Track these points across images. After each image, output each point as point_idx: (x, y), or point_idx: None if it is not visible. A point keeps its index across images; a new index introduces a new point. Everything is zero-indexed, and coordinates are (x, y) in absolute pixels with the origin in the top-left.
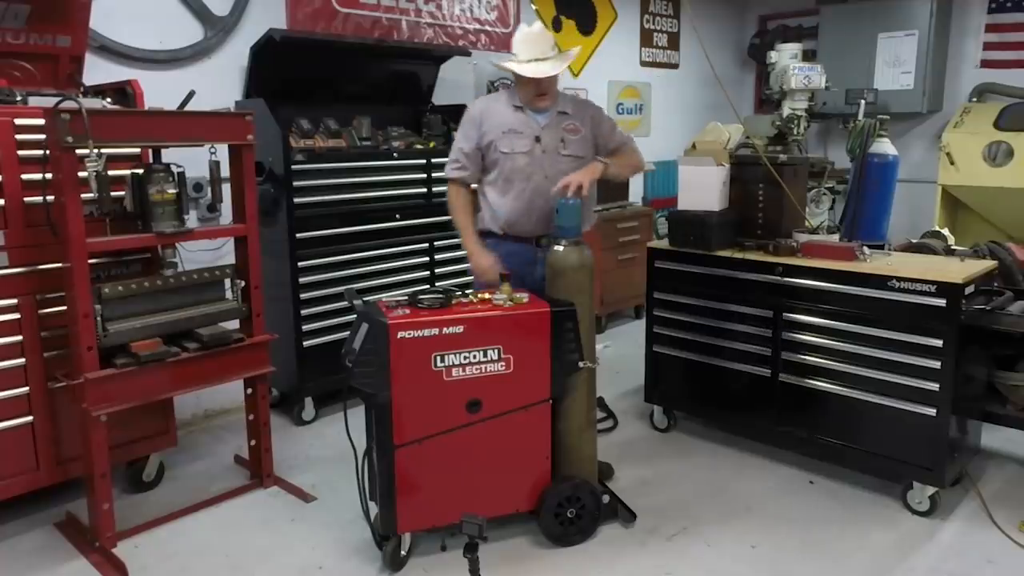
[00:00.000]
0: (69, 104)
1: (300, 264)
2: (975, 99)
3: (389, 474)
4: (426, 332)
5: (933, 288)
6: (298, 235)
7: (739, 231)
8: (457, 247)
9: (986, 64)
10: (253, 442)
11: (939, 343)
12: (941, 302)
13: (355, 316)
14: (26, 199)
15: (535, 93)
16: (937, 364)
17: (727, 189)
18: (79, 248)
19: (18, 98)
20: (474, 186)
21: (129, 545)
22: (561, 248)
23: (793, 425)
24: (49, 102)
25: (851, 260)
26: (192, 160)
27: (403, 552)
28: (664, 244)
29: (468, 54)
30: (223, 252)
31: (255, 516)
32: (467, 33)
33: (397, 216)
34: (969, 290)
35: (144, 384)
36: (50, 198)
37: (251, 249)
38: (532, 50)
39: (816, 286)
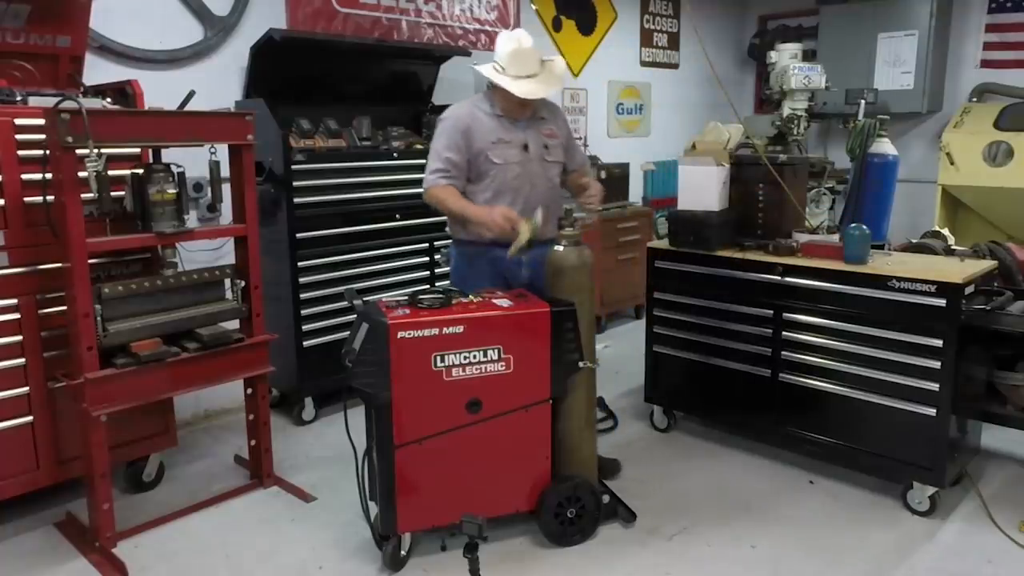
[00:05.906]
0: (69, 104)
1: (300, 264)
2: (975, 99)
3: (389, 474)
4: (426, 332)
5: (933, 288)
6: (298, 235)
7: (739, 231)
8: None
9: (986, 64)
10: (253, 442)
11: (939, 343)
12: (941, 302)
13: (355, 316)
14: (26, 199)
15: (518, 105)
16: (937, 364)
17: (727, 189)
18: (79, 248)
19: (18, 98)
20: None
21: (129, 545)
22: (561, 248)
23: (793, 425)
24: (49, 102)
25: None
26: (192, 160)
27: (403, 552)
28: (664, 244)
29: (468, 54)
30: (223, 252)
31: (255, 516)
32: (467, 33)
33: (397, 216)
34: (969, 290)
35: (144, 384)
36: (50, 198)
37: (251, 249)
38: (522, 67)
39: (816, 286)
